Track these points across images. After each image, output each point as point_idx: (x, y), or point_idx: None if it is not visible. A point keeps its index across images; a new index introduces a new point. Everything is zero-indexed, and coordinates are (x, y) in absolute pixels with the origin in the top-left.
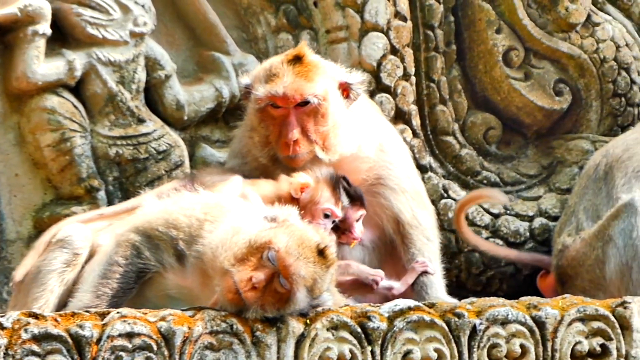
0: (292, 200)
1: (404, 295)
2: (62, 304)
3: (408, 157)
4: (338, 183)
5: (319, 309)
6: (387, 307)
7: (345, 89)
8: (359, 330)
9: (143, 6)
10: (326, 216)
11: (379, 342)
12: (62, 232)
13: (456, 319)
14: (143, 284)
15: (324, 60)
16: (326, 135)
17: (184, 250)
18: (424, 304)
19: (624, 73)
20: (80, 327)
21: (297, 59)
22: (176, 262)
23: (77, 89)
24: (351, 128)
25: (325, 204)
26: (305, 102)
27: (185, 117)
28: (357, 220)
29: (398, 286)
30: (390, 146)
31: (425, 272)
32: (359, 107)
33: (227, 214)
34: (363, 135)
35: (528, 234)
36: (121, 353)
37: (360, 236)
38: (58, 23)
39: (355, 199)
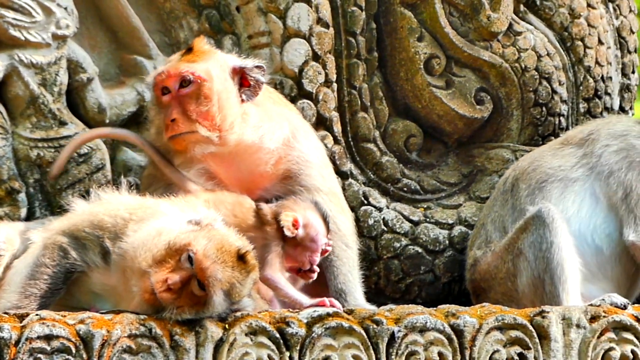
0: (257, 230)
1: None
2: None
3: (322, 156)
4: (326, 214)
5: (238, 314)
6: (305, 313)
7: (244, 78)
8: (278, 335)
9: (66, 9)
10: (324, 251)
11: (298, 347)
12: None
13: (374, 326)
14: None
15: (218, 51)
16: (212, 116)
17: (108, 247)
18: (343, 311)
19: (545, 83)
20: None
21: (189, 50)
22: (101, 260)
23: None
24: (250, 117)
25: (323, 239)
26: (187, 83)
27: (107, 121)
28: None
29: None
30: (300, 142)
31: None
32: (266, 100)
33: (152, 215)
34: (266, 127)
35: (447, 242)
36: (40, 355)
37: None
38: None
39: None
